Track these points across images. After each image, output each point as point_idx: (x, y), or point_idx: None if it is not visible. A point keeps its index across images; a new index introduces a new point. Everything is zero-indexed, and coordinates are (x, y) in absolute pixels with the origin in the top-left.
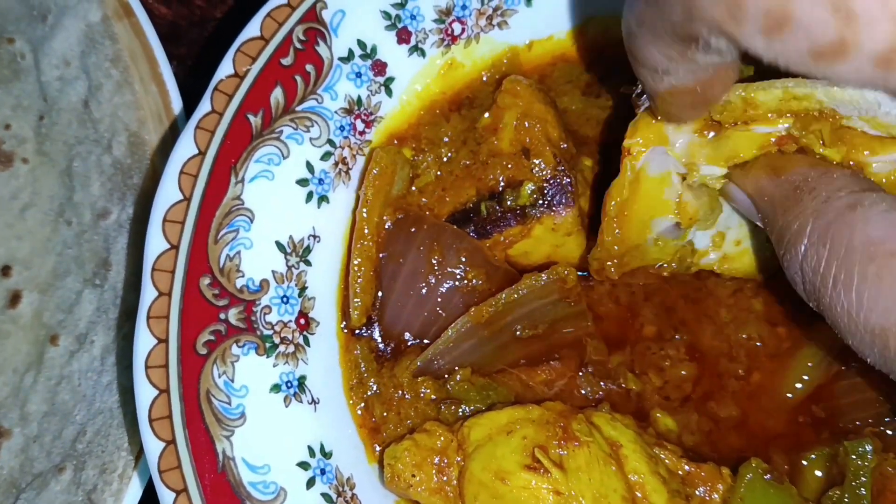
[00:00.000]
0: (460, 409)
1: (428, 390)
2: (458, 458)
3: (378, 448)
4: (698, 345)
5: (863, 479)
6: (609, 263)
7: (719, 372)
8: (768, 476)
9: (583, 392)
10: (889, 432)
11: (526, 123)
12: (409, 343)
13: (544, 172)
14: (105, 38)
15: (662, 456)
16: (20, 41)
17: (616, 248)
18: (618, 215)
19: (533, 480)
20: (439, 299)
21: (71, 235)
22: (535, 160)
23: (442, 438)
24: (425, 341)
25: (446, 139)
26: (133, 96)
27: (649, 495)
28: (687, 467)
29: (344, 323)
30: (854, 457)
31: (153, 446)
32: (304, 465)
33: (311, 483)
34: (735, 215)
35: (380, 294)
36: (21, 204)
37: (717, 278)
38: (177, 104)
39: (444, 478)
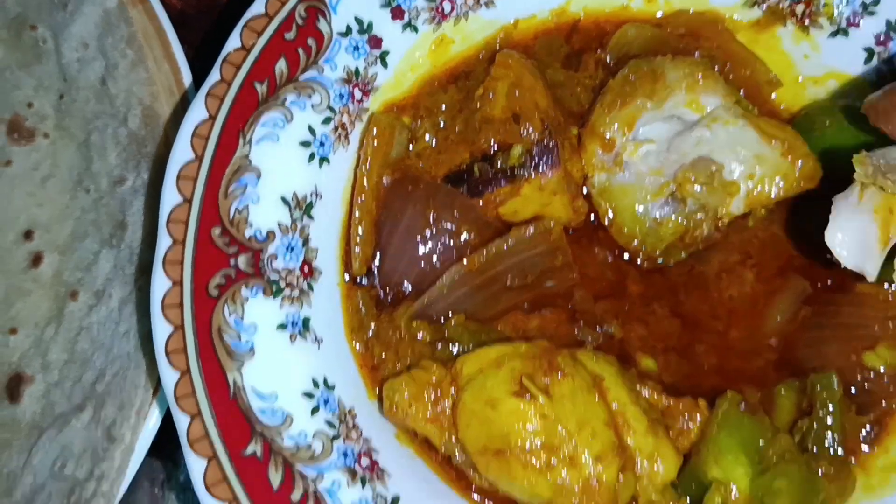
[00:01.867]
0: (454, 349)
1: (424, 333)
2: (452, 391)
3: (377, 387)
4: (683, 306)
5: (830, 408)
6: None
7: (701, 329)
8: (743, 406)
9: (570, 338)
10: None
11: (516, 92)
12: (407, 292)
13: (533, 136)
14: (121, 21)
15: (643, 391)
16: (42, 27)
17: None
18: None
19: (520, 405)
20: (434, 252)
21: (89, 201)
22: (524, 125)
23: (437, 374)
24: (422, 290)
25: (443, 107)
26: (147, 73)
27: (630, 422)
28: (666, 402)
29: (346, 273)
30: (820, 388)
31: (169, 376)
32: (308, 395)
33: (315, 411)
34: (731, 153)
35: (379, 248)
36: (42, 175)
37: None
38: (187, 80)
39: (439, 408)
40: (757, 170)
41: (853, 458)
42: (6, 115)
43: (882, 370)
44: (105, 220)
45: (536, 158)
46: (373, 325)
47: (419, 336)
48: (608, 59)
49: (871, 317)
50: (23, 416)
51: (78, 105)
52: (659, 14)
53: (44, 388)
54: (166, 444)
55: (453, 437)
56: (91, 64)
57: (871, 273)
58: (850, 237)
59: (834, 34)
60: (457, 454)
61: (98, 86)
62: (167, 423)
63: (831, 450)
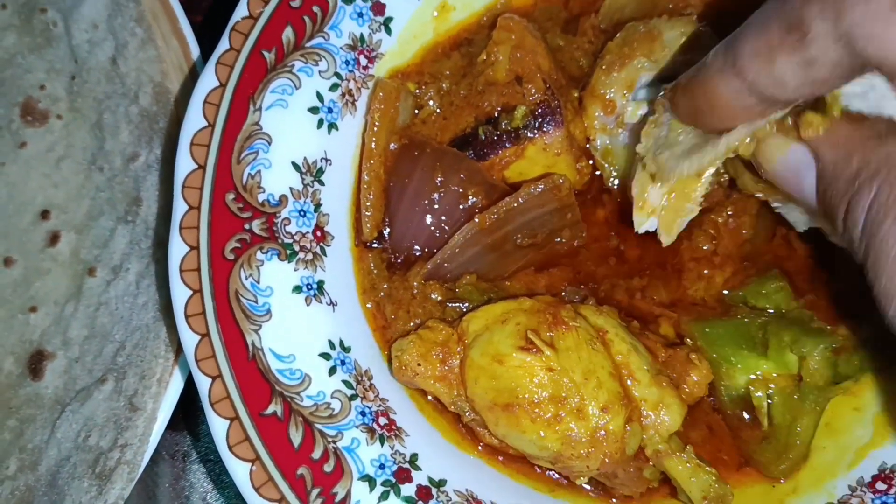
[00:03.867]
0: (463, 307)
1: (436, 294)
2: (459, 349)
3: (388, 348)
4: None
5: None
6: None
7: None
8: None
9: (576, 298)
10: None
11: (518, 54)
12: (417, 255)
13: (535, 97)
14: (129, 1)
15: (645, 344)
16: (52, 10)
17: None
18: None
19: (527, 358)
20: (443, 214)
21: (103, 180)
22: (527, 86)
23: (444, 333)
24: (433, 252)
25: (447, 73)
26: (156, 51)
27: (634, 373)
28: (665, 354)
29: (357, 237)
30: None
31: (189, 339)
32: (325, 356)
33: (332, 371)
34: None
35: (388, 212)
36: (56, 156)
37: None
38: (196, 55)
39: (446, 367)
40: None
41: None
42: (20, 99)
43: None
44: (120, 198)
45: (540, 118)
46: (385, 286)
47: (432, 296)
48: (602, 25)
49: None
50: (45, 392)
51: (89, 86)
52: None
53: (65, 363)
54: (185, 420)
55: (462, 395)
56: (101, 44)
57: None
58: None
59: None
60: (466, 412)
61: (108, 66)
62: (185, 397)
63: None
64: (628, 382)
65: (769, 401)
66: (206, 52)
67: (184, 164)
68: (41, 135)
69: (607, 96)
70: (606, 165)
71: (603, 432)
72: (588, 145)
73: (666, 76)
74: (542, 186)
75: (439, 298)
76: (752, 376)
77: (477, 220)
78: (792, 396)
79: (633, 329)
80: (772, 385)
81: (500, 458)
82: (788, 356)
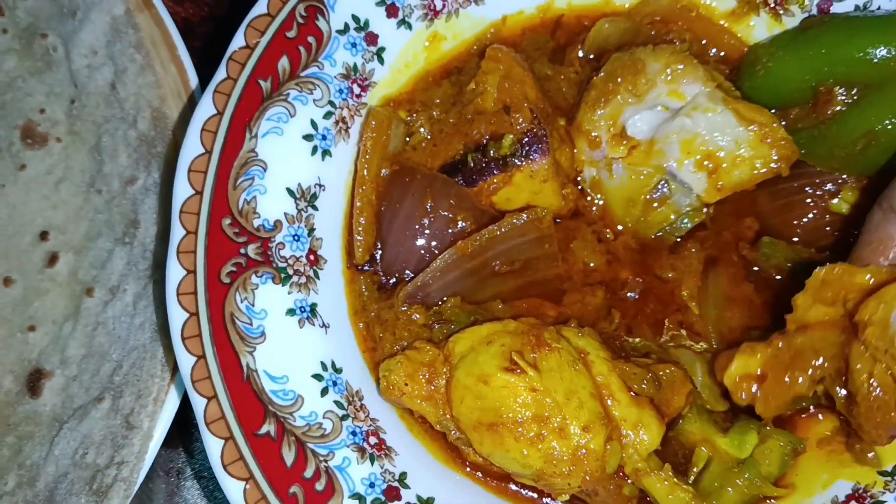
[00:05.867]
0: (449, 329)
1: (419, 316)
2: (445, 370)
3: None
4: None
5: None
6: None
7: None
8: None
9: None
10: None
11: (506, 84)
12: (408, 278)
13: (522, 126)
14: (128, 27)
15: (626, 364)
16: (52, 36)
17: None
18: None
19: (511, 379)
20: (433, 239)
21: (101, 202)
22: (514, 115)
23: (430, 353)
24: None
25: (438, 101)
26: (155, 77)
27: (614, 393)
28: (648, 373)
29: (349, 260)
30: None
31: (186, 360)
32: (318, 377)
33: (324, 392)
34: (712, 140)
35: (380, 236)
36: (55, 178)
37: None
38: (193, 82)
39: (433, 386)
40: (736, 153)
41: None
42: (20, 122)
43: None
44: (118, 220)
45: (527, 147)
46: (375, 307)
47: (414, 317)
48: (589, 55)
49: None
50: (44, 410)
51: (89, 110)
52: (627, 4)
53: (63, 381)
54: (180, 437)
55: (448, 414)
56: (100, 69)
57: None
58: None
59: (804, 20)
60: (452, 431)
61: (108, 90)
62: (180, 415)
63: None
64: (609, 402)
65: (708, 463)
66: (203, 77)
67: (182, 189)
68: (41, 157)
69: (592, 133)
70: (594, 195)
71: (584, 451)
72: (576, 174)
73: (649, 106)
74: (524, 217)
75: (423, 320)
76: (704, 439)
77: (459, 245)
78: (731, 469)
79: (613, 347)
80: (719, 455)
81: (482, 476)
82: (747, 438)
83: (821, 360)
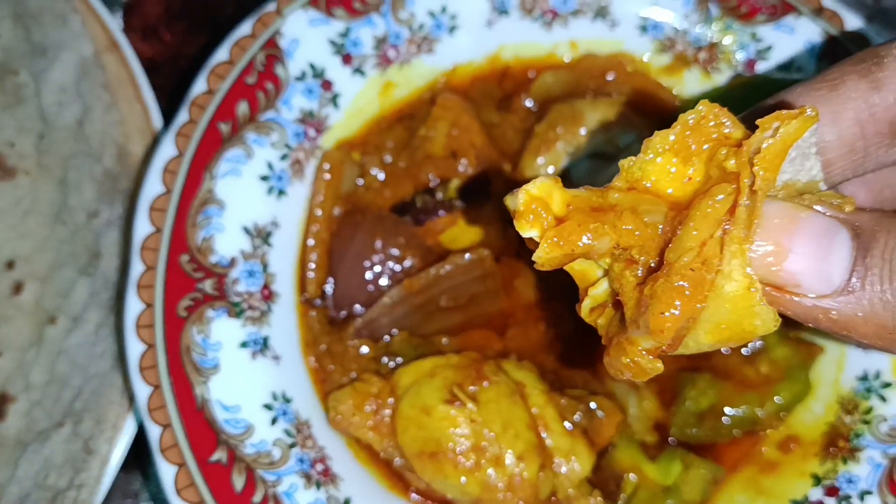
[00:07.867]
0: (396, 363)
1: (368, 349)
2: (391, 401)
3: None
4: None
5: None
6: None
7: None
8: None
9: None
10: None
11: (454, 132)
12: (358, 312)
13: (469, 171)
14: (96, 67)
15: (561, 397)
16: (24, 73)
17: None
18: None
19: (451, 411)
20: (382, 275)
21: (67, 233)
22: (461, 160)
23: (377, 385)
24: None
25: (390, 145)
26: (120, 115)
27: (549, 424)
28: (581, 404)
29: (301, 295)
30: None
31: (142, 390)
32: (268, 407)
33: (274, 421)
34: None
35: (331, 272)
36: (23, 209)
37: None
38: (157, 121)
39: (379, 417)
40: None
41: None
42: None
43: None
44: (81, 251)
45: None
46: (326, 340)
47: (363, 350)
48: (533, 105)
49: None
50: (8, 433)
51: (57, 145)
52: (566, 59)
53: (27, 406)
54: (138, 461)
55: (392, 443)
56: (69, 106)
57: None
58: None
59: (732, 78)
60: (396, 459)
61: (75, 127)
62: (137, 439)
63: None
64: (543, 433)
65: (636, 490)
66: (168, 113)
67: (142, 227)
68: (9, 189)
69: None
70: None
71: (519, 479)
72: None
73: (587, 154)
74: (468, 256)
75: (371, 354)
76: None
77: (405, 283)
78: (657, 495)
79: (551, 379)
80: (646, 482)
81: (424, 501)
82: (672, 466)
83: (638, 226)
